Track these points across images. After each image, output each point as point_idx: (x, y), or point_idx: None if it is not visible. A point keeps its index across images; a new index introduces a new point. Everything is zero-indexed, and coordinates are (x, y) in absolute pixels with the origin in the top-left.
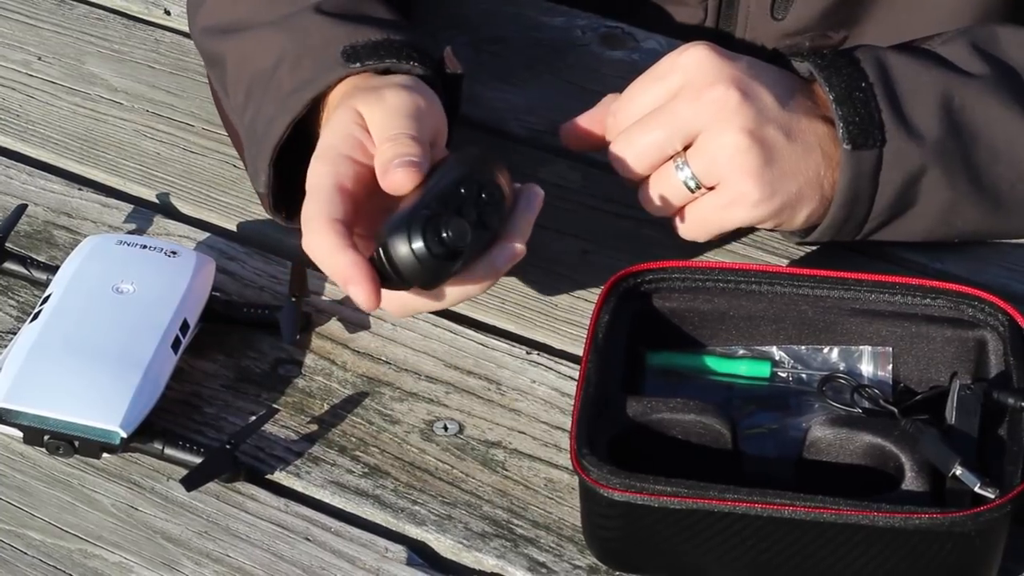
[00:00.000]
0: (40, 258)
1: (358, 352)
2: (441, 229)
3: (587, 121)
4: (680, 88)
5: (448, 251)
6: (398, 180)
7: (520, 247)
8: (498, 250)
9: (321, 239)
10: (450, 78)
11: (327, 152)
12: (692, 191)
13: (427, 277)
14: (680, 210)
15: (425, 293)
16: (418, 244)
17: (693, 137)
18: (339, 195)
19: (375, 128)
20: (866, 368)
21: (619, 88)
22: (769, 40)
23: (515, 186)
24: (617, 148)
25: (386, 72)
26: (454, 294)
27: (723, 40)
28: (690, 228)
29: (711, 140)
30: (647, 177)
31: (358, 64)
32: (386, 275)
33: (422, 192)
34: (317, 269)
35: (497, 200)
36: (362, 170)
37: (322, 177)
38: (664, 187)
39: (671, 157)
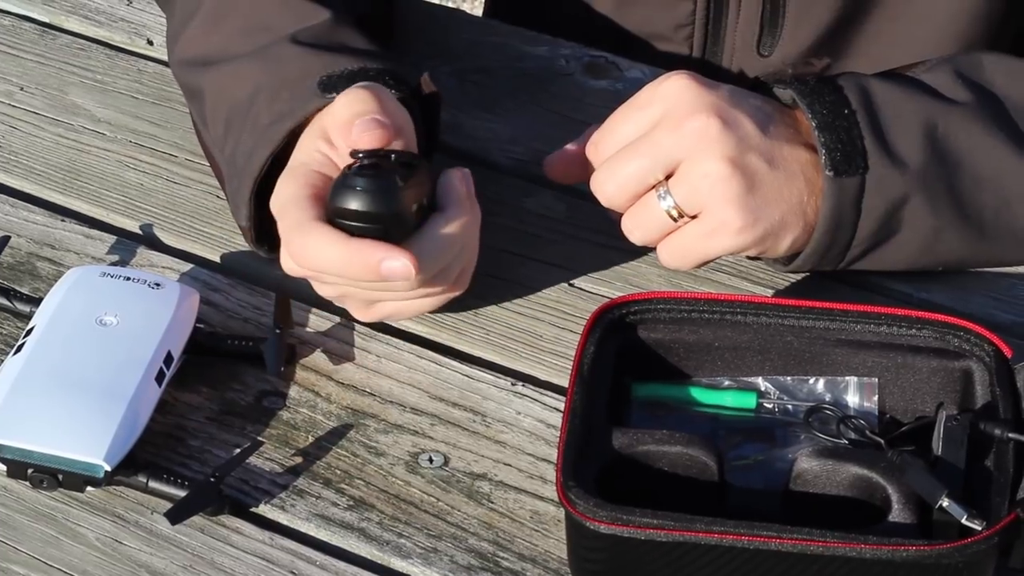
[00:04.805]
0: (23, 290)
1: (343, 384)
2: (364, 171)
3: (570, 153)
4: (661, 117)
5: (381, 172)
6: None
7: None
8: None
9: (319, 239)
10: (429, 105)
11: (295, 169)
12: (675, 220)
13: (385, 202)
14: (663, 239)
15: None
16: (357, 187)
17: (674, 166)
18: (315, 203)
19: (338, 117)
20: (852, 399)
21: (603, 117)
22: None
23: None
24: (599, 178)
25: None
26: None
27: (708, 74)
28: (674, 257)
29: (692, 169)
30: (630, 207)
31: (335, 94)
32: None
33: None
34: (300, 299)
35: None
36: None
37: (292, 189)
38: (647, 216)
39: (653, 186)
